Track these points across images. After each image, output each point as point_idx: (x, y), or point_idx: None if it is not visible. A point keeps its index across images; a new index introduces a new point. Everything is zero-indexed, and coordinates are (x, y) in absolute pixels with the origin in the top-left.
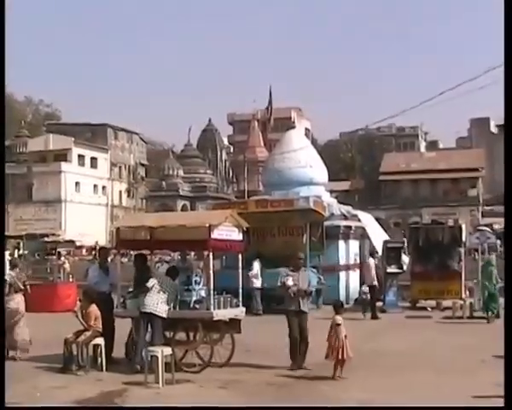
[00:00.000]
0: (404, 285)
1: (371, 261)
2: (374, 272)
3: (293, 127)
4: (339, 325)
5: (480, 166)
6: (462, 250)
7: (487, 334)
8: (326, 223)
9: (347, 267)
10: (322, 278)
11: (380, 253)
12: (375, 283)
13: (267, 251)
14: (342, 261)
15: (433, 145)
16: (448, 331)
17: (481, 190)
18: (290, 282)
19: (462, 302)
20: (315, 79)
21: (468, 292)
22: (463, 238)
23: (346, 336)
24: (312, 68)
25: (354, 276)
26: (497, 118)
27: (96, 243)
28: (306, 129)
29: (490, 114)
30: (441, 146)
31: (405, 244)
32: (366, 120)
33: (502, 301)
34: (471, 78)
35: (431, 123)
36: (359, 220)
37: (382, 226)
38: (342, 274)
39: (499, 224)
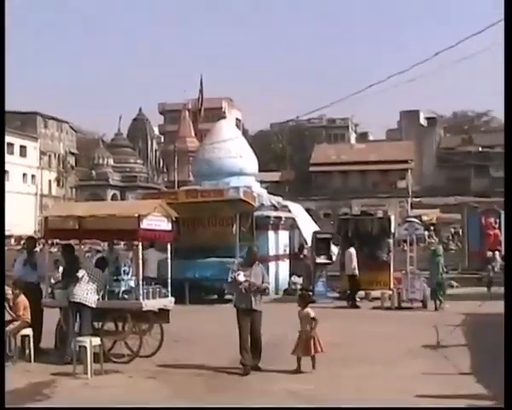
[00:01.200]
0: (334, 276)
1: (352, 251)
2: (355, 261)
3: (224, 117)
4: (313, 318)
5: (409, 159)
6: (390, 241)
7: (415, 324)
8: (256, 213)
9: (277, 258)
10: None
11: (309, 244)
12: (356, 272)
13: (197, 241)
14: (272, 252)
15: (363, 137)
16: (377, 322)
17: (410, 182)
18: (241, 277)
19: (390, 293)
20: (246, 69)
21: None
22: (392, 229)
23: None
24: (244, 59)
25: (284, 266)
26: (426, 111)
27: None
28: (237, 119)
29: (419, 106)
30: (371, 138)
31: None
32: (297, 111)
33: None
34: (400, 70)
35: (361, 115)
36: (289, 211)
37: (312, 217)
38: (272, 265)
39: (427, 215)
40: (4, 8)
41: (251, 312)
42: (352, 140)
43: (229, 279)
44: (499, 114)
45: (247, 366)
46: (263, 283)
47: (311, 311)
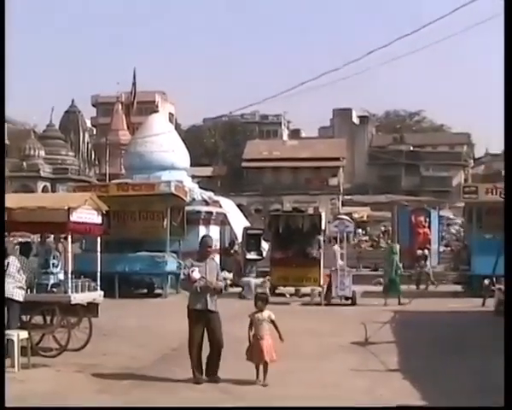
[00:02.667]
0: (264, 272)
1: (335, 247)
2: (339, 257)
3: (157, 111)
4: (273, 321)
5: (341, 156)
6: (321, 238)
7: (344, 321)
8: (187, 208)
9: None
10: (181, 263)
11: (240, 239)
12: (338, 267)
13: (128, 235)
14: None
15: (295, 134)
16: (306, 318)
17: (342, 180)
18: (196, 274)
19: (320, 289)
20: (180, 63)
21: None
22: (323, 226)
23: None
24: (178, 53)
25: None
26: (358, 109)
27: None
28: (170, 113)
29: (352, 105)
30: (304, 135)
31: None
32: (230, 106)
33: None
34: (334, 68)
35: (294, 112)
36: (220, 206)
37: (244, 213)
38: None
39: (358, 213)
40: (4, 9)
41: (207, 313)
42: (285, 137)
43: (182, 276)
44: (430, 113)
45: (198, 376)
46: (217, 279)
47: (271, 313)
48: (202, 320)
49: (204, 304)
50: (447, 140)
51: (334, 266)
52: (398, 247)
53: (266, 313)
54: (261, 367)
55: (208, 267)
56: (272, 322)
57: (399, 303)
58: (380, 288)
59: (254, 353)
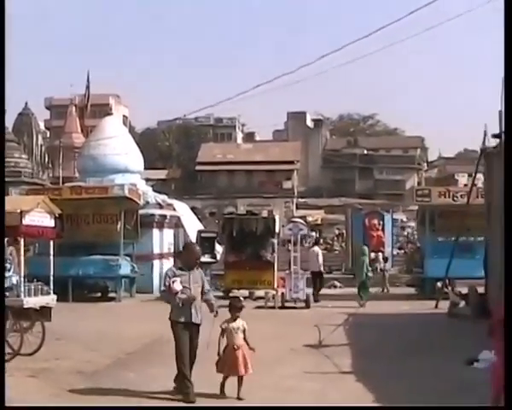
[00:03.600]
0: (218, 275)
1: (316, 249)
2: (321, 259)
3: (111, 114)
4: (244, 330)
5: (295, 159)
6: (275, 241)
7: (298, 323)
8: (141, 211)
9: (161, 256)
10: (135, 266)
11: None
12: (322, 269)
13: (81, 238)
14: (156, 250)
15: (250, 137)
16: (260, 321)
17: (296, 183)
18: (177, 286)
19: (274, 292)
20: (135, 66)
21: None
22: (277, 229)
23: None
24: (132, 55)
25: (168, 265)
26: (312, 112)
27: None
28: (124, 116)
29: (306, 108)
30: (258, 138)
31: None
32: (184, 109)
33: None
34: (288, 71)
35: (249, 115)
36: (174, 209)
37: (198, 216)
38: (156, 263)
39: (312, 216)
40: (4, 9)
41: (190, 326)
42: (239, 140)
43: (163, 288)
44: (384, 117)
45: (189, 392)
46: (203, 291)
47: (244, 322)
48: (187, 332)
49: (188, 316)
50: (401, 143)
51: (317, 268)
52: (367, 249)
53: (240, 322)
54: (233, 380)
55: (192, 277)
56: (244, 332)
57: (360, 306)
58: (334, 290)
59: (229, 365)
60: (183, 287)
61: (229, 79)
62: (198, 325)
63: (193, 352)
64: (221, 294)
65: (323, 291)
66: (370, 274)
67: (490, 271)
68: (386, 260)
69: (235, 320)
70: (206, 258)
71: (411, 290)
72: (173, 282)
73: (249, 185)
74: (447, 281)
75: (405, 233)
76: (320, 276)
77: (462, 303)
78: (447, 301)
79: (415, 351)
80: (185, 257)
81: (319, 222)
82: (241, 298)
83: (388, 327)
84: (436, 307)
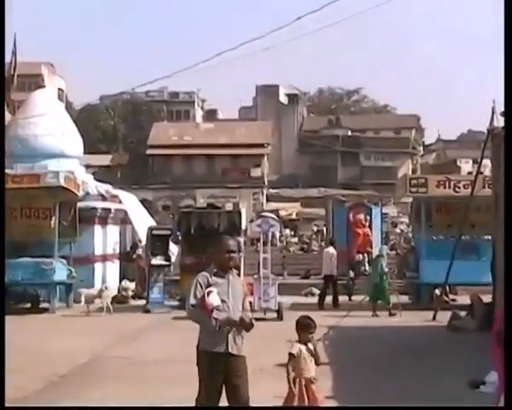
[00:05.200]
0: (173, 280)
1: (331, 250)
2: (335, 261)
3: (43, 86)
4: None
5: (265, 142)
6: (241, 240)
7: (268, 338)
8: (80, 204)
9: (104, 258)
10: (73, 270)
11: (144, 241)
12: (335, 272)
13: (7, 237)
14: (98, 251)
15: (211, 115)
16: None
17: (266, 170)
18: (215, 299)
19: None
20: (73, 30)
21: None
22: (243, 226)
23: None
24: (69, 17)
25: (113, 269)
26: (286, 86)
27: None
28: (60, 89)
29: (279, 81)
30: (221, 116)
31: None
32: (133, 81)
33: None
34: (258, 36)
35: (210, 89)
36: (120, 202)
37: (149, 210)
38: (98, 266)
39: (286, 210)
40: (4, 9)
41: (227, 357)
42: (199, 118)
43: (193, 301)
44: (372, 92)
45: None
46: (243, 307)
47: (315, 342)
48: (220, 368)
49: (224, 345)
50: (392, 123)
51: (330, 271)
52: (385, 248)
53: (311, 346)
54: None
55: (231, 288)
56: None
57: (390, 314)
58: (311, 298)
59: (302, 401)
60: (221, 302)
61: (186, 46)
62: (240, 358)
63: (238, 399)
64: (176, 303)
65: (299, 300)
66: (386, 278)
67: (499, 275)
68: (370, 262)
69: (306, 343)
70: (158, 260)
71: (404, 299)
72: (208, 294)
73: (210, 173)
74: (447, 288)
75: (397, 230)
76: (333, 280)
77: (464, 314)
78: (447, 311)
79: (407, 373)
80: (218, 256)
81: (294, 217)
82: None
83: (375, 343)
84: (434, 318)
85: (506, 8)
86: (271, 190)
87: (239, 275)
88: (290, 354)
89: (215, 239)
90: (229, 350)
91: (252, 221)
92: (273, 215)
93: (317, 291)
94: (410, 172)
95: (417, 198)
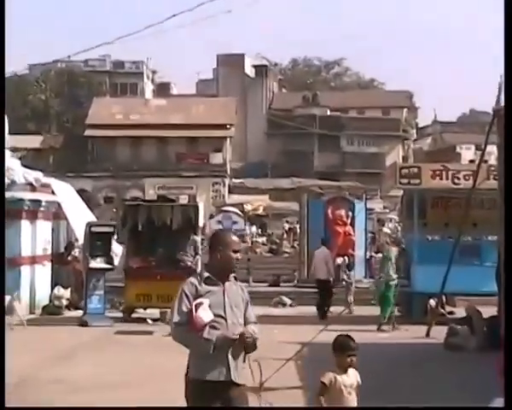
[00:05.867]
0: (116, 287)
1: (325, 250)
2: (331, 263)
3: None
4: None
5: (228, 122)
6: (198, 239)
7: None
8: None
9: (33, 260)
10: None
11: (81, 240)
12: (331, 278)
13: None
14: (26, 252)
15: (163, 89)
16: (174, 352)
17: (229, 156)
18: (205, 314)
19: None
20: None
21: None
22: (201, 222)
23: None
24: None
25: (43, 273)
26: (254, 56)
27: None
28: None
29: (244, 49)
30: (175, 91)
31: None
32: (68, 48)
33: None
34: None
35: (162, 59)
36: (53, 193)
37: (87, 202)
38: (26, 270)
39: (252, 203)
40: (4, 9)
41: (228, 387)
42: (148, 93)
43: (176, 318)
44: (356, 64)
45: None
46: (246, 321)
47: (357, 372)
48: (219, 401)
49: (222, 371)
50: (379, 101)
51: (324, 275)
52: (393, 249)
53: (353, 373)
54: None
55: (228, 297)
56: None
57: (378, 328)
58: (282, 309)
59: None
60: (215, 316)
61: (133, 6)
62: (241, 387)
63: None
64: (119, 315)
65: (267, 311)
66: (394, 283)
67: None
68: (349, 267)
69: (346, 371)
70: (98, 263)
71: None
72: (197, 307)
73: (162, 159)
74: (444, 298)
75: (385, 229)
76: (329, 286)
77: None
78: (443, 326)
79: (394, 398)
80: (215, 257)
81: (262, 212)
82: (149, 321)
83: (358, 363)
84: (427, 335)
85: (506, 9)
86: (235, 180)
87: (236, 279)
88: (322, 384)
89: (215, 236)
90: (232, 378)
91: (211, 217)
92: (236, 210)
93: (288, 301)
94: (401, 159)
95: (409, 191)
